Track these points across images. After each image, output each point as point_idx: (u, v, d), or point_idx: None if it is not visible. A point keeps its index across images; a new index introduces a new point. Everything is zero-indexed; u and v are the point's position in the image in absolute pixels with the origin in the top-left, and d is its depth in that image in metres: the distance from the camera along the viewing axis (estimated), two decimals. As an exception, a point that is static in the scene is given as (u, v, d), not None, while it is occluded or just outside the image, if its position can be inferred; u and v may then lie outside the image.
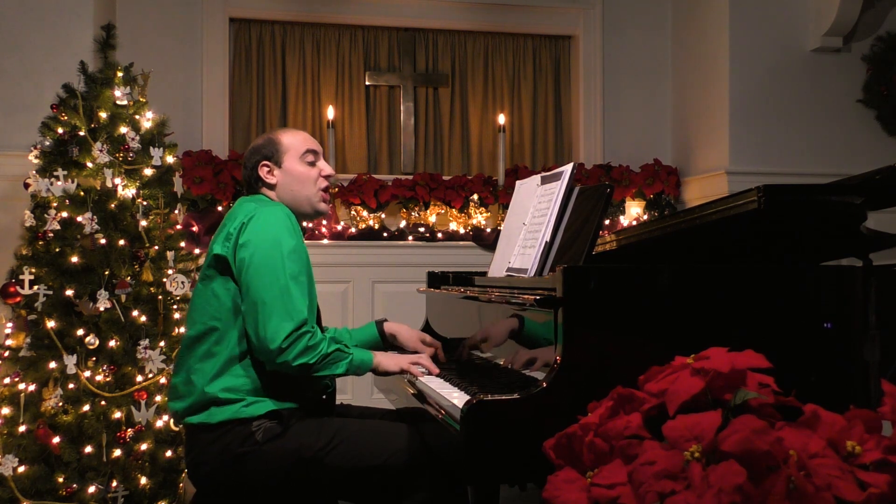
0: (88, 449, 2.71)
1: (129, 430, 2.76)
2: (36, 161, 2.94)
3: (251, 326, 1.89)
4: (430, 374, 2.07)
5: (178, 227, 3.09)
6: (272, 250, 1.90)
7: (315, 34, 4.54)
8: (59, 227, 2.82)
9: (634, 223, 4.24)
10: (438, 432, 1.75)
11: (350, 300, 4.02)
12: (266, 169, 2.09)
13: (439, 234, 4.14)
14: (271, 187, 2.10)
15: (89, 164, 2.90)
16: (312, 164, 2.12)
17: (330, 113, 4.19)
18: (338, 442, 1.91)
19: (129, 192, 2.94)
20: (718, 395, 1.23)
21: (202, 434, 1.94)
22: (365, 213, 4.12)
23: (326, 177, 2.14)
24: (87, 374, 2.76)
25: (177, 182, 3.10)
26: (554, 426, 1.37)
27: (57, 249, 2.80)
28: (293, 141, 2.12)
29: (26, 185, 2.97)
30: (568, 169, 2.09)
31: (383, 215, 4.15)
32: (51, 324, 2.77)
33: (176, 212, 3.10)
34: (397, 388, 2.23)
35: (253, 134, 4.46)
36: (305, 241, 4.10)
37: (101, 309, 2.77)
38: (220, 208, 3.91)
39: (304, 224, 2.21)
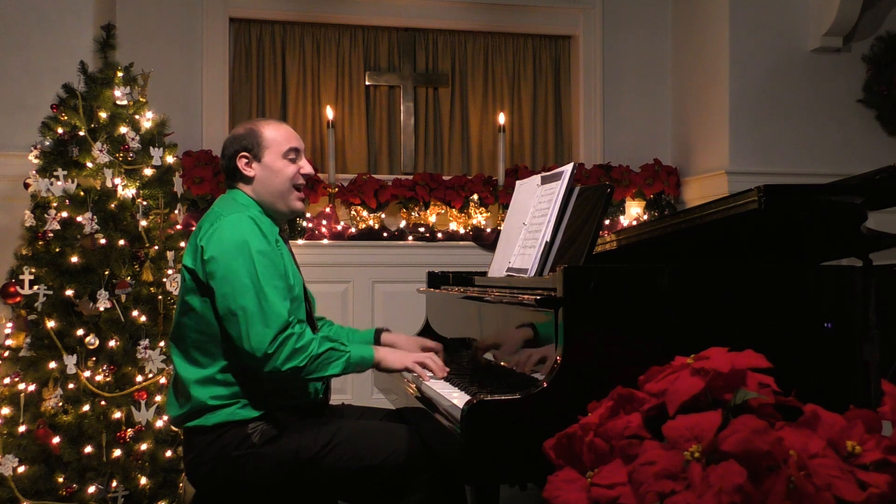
0: (88, 449, 2.71)
1: (129, 430, 2.76)
2: (36, 161, 2.94)
3: (236, 338, 1.86)
4: (435, 377, 2.01)
5: (178, 227, 3.09)
6: (240, 258, 1.86)
7: (315, 34, 4.54)
8: (59, 227, 2.82)
9: (634, 223, 4.24)
10: (438, 432, 1.75)
11: (350, 300, 4.02)
12: (244, 161, 2.02)
13: (439, 234, 4.14)
14: (248, 181, 2.04)
15: (89, 164, 2.90)
16: (293, 161, 2.06)
17: (330, 113, 4.19)
18: (336, 443, 1.90)
19: (129, 192, 2.94)
20: (718, 395, 1.23)
21: (199, 436, 1.94)
22: (365, 213, 4.12)
23: (305, 175, 2.07)
24: (87, 374, 2.76)
25: (177, 182, 3.10)
26: (554, 426, 1.37)
27: (57, 249, 2.80)
28: (276, 136, 2.04)
29: (26, 185, 2.97)
30: (568, 169, 2.09)
31: (383, 215, 4.15)
32: (51, 324, 2.77)
33: (176, 212, 3.10)
34: (397, 387, 2.23)
35: (253, 134, 4.45)
36: (305, 242, 4.10)
37: (101, 309, 2.77)
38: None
39: (283, 224, 2.17)
